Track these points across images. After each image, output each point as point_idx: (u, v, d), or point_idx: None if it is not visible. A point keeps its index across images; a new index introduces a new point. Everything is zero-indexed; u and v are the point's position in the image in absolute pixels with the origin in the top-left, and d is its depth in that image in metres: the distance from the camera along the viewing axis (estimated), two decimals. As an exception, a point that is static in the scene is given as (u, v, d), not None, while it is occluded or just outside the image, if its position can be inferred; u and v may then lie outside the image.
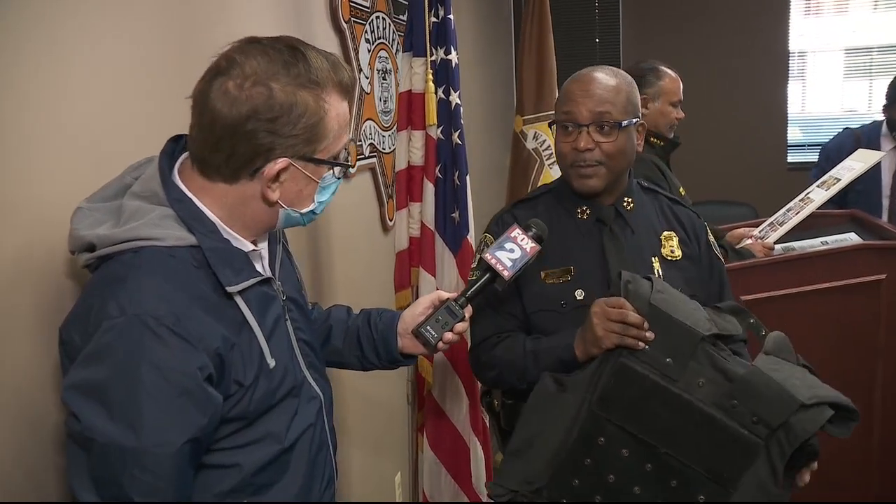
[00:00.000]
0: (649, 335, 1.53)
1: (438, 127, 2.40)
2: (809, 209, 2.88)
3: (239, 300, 1.24)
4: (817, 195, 2.92)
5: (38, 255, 1.30)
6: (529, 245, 1.62)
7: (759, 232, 2.98)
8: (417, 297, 2.18)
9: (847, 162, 3.04)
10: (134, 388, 1.09)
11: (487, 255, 1.61)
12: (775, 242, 2.83)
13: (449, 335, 1.55)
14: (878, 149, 3.35)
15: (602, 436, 1.53)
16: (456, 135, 2.39)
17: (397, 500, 2.94)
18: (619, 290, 1.57)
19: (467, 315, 1.58)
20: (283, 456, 1.29)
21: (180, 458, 1.13)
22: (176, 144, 1.30)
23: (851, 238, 2.69)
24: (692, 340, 1.50)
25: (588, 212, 1.81)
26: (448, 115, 2.40)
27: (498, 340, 1.81)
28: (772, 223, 2.97)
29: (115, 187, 1.27)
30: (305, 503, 1.36)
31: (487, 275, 1.61)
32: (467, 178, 2.41)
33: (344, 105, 1.29)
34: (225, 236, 1.26)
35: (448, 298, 1.57)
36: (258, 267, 1.32)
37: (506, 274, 1.59)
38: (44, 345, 1.30)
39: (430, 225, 2.42)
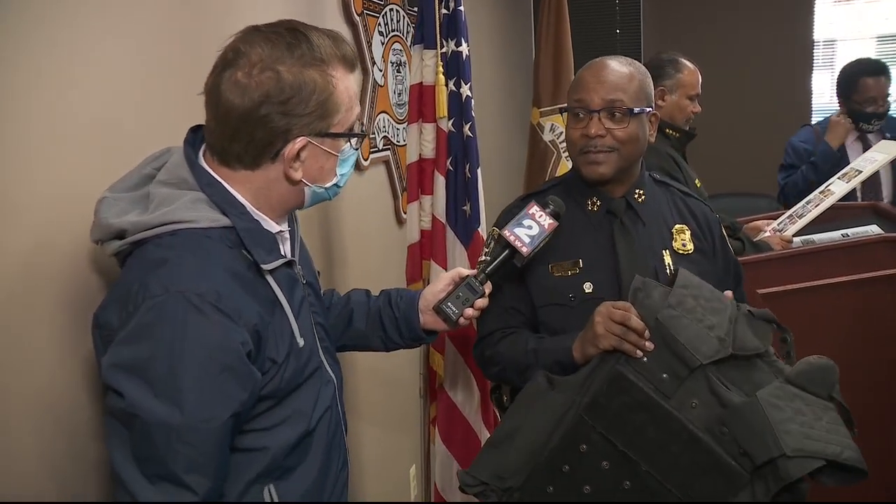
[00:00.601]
0: (649, 345, 1.49)
1: (449, 119, 2.39)
2: (829, 201, 2.83)
3: (270, 279, 1.28)
4: (838, 187, 2.88)
5: (57, 252, 1.32)
6: (547, 221, 1.64)
7: (778, 224, 2.94)
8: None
9: (869, 154, 3.00)
10: (178, 364, 1.11)
11: (506, 232, 1.63)
12: (794, 235, 2.79)
13: (469, 311, 1.60)
14: None
15: (585, 443, 1.49)
16: (467, 127, 2.38)
17: (412, 493, 2.95)
18: (633, 294, 1.55)
19: (487, 291, 1.62)
20: (306, 438, 1.32)
21: (222, 433, 1.16)
22: (195, 135, 1.33)
23: (873, 230, 2.64)
24: (689, 365, 1.46)
25: (599, 204, 1.80)
26: (459, 108, 2.38)
27: (503, 336, 1.81)
28: (791, 216, 2.93)
29: (135, 178, 1.29)
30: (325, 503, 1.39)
31: (506, 251, 1.63)
32: (478, 170, 2.40)
33: (350, 78, 1.32)
34: (255, 217, 1.30)
35: (468, 275, 1.61)
36: (282, 249, 1.36)
37: (524, 250, 1.62)
38: (67, 342, 1.32)
39: (441, 218, 2.41)
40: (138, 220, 1.20)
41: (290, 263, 1.35)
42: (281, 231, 1.36)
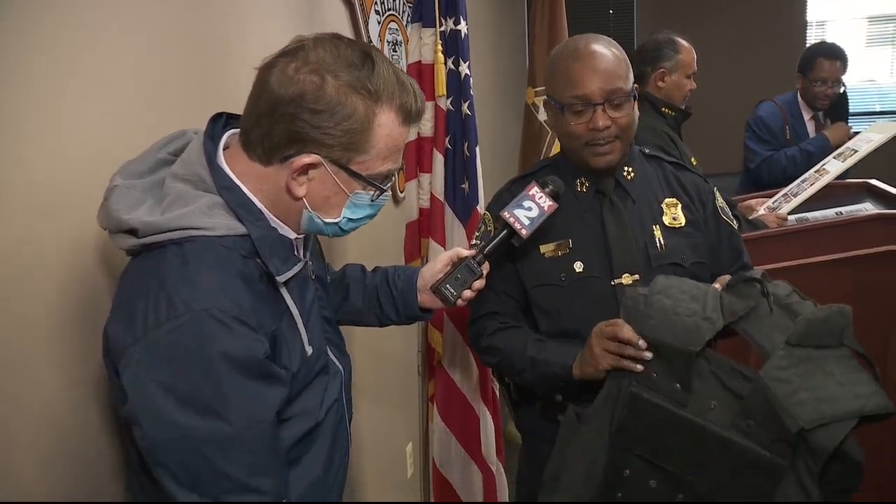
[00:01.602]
0: (647, 354, 1.47)
1: (448, 98, 2.39)
2: (825, 180, 2.86)
3: (283, 289, 1.26)
4: (833, 166, 2.90)
5: (55, 251, 1.30)
6: (547, 203, 1.64)
7: (773, 203, 2.96)
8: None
9: (865, 134, 3.02)
10: (214, 379, 1.10)
11: (506, 214, 1.63)
12: (789, 213, 2.82)
13: (468, 293, 1.60)
14: (800, 118, 3.72)
15: (627, 468, 1.47)
16: (465, 105, 2.38)
17: (408, 470, 2.97)
18: (625, 310, 1.53)
19: (485, 272, 1.62)
20: (314, 430, 1.32)
21: (270, 432, 1.18)
22: (215, 124, 1.29)
23: (866, 208, 2.67)
24: (687, 359, 1.43)
25: (587, 184, 1.80)
26: (458, 86, 2.39)
27: (500, 328, 1.81)
28: (786, 194, 2.95)
29: (149, 161, 1.26)
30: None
31: (504, 231, 1.64)
32: (477, 148, 2.40)
33: (400, 130, 1.25)
34: (272, 224, 1.26)
35: (466, 256, 1.61)
36: (298, 252, 1.33)
37: (523, 233, 1.62)
38: (62, 345, 1.31)
39: (440, 196, 2.42)
40: (151, 222, 1.16)
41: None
42: (299, 237, 1.33)
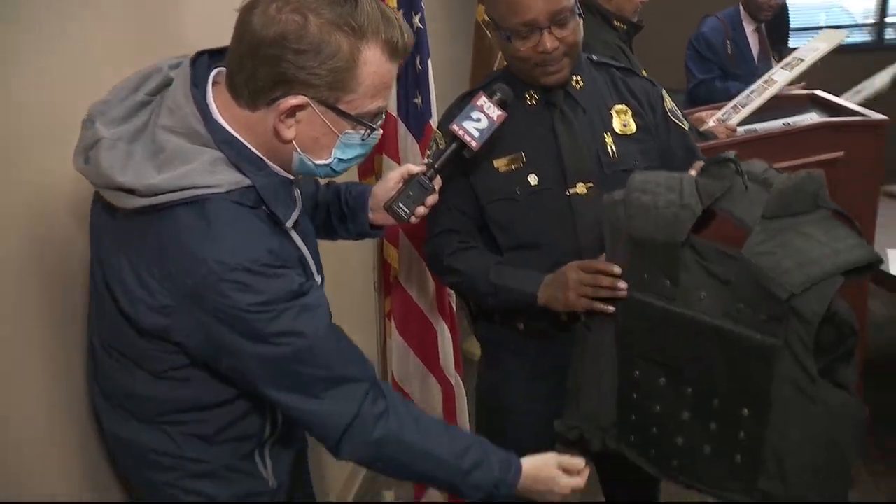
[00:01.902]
0: (622, 294, 1.52)
1: (399, 10, 2.33)
2: (772, 91, 2.90)
3: (293, 233, 1.29)
4: (780, 76, 2.94)
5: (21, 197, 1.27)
6: (496, 113, 1.63)
7: (723, 114, 3.00)
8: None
9: (811, 43, 3.06)
10: (272, 317, 1.19)
11: (454, 127, 1.62)
12: (738, 124, 2.86)
13: (421, 209, 1.60)
14: (741, 30, 3.83)
15: (636, 369, 1.51)
16: (417, 18, 2.33)
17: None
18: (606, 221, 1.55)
19: (437, 187, 1.61)
20: None
21: (333, 325, 1.31)
22: (197, 67, 1.25)
23: (812, 118, 2.72)
24: (673, 252, 1.44)
25: (537, 97, 1.79)
26: (408, -1, 2.33)
27: (461, 247, 1.82)
28: (735, 105, 3.00)
29: (128, 105, 1.23)
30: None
31: (455, 144, 1.63)
32: (429, 61, 2.37)
33: (388, 66, 1.24)
34: (274, 170, 1.26)
35: (417, 172, 1.60)
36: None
37: (473, 145, 1.62)
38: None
39: (393, 111, 2.38)
40: (152, 184, 1.14)
41: None
42: (297, 178, 1.33)
